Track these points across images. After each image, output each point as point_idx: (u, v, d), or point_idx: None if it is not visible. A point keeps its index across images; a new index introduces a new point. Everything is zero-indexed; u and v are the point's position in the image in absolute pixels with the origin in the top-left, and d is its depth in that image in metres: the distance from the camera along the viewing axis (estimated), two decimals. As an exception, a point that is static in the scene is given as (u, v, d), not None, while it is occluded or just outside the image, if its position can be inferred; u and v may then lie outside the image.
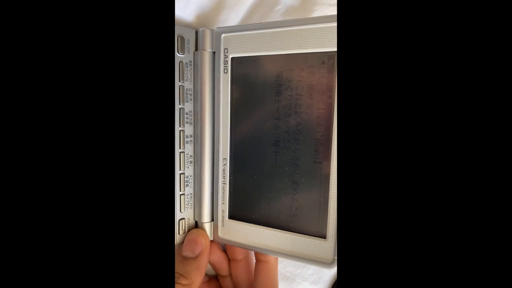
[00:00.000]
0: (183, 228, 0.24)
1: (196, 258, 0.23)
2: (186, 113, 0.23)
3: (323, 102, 0.20)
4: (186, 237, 0.23)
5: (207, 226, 0.24)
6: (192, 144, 0.24)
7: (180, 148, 0.23)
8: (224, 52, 0.22)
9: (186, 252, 0.23)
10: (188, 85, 0.23)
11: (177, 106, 0.22)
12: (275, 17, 0.25)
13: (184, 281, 0.22)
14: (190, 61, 0.23)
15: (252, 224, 0.22)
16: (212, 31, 0.22)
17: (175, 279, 0.22)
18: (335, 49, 0.19)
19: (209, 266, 0.27)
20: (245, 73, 0.22)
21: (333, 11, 0.26)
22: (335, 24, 0.19)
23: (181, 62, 0.22)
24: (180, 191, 0.23)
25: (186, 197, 0.24)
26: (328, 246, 0.20)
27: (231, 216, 0.23)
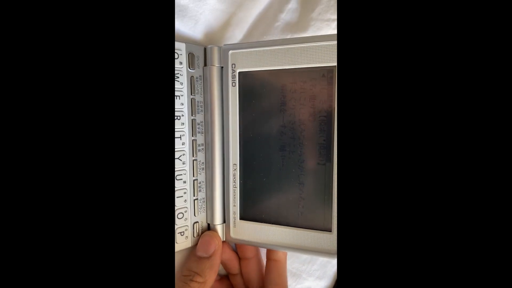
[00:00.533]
0: (197, 231, 0.26)
1: (209, 257, 0.24)
2: (198, 124, 0.25)
3: (325, 110, 0.22)
4: (200, 239, 0.25)
5: (219, 228, 0.26)
6: (204, 152, 0.25)
7: (193, 156, 0.25)
8: (232, 67, 0.24)
9: (200, 252, 0.24)
10: (199, 98, 0.25)
11: (190, 118, 0.24)
12: (275, 32, 0.27)
13: (199, 279, 0.23)
14: (200, 76, 0.25)
15: (262, 223, 0.24)
16: (219, 47, 0.24)
17: (191, 277, 0.23)
18: (334, 64, 0.21)
19: (220, 266, 0.29)
20: (252, 86, 0.24)
21: (327, 26, 0.28)
22: (333, 42, 0.21)
23: (192, 77, 0.24)
24: (194, 196, 0.25)
25: (199, 201, 0.25)
26: (333, 238, 0.22)
27: (242, 217, 0.25)
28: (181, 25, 0.24)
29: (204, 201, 0.26)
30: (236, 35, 0.26)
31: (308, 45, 0.22)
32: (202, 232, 0.26)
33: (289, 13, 0.27)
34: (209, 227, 0.26)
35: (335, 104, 0.21)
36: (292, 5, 0.27)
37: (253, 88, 0.24)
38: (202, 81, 0.25)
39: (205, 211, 0.26)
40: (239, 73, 0.24)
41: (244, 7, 0.26)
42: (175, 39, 0.24)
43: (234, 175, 0.25)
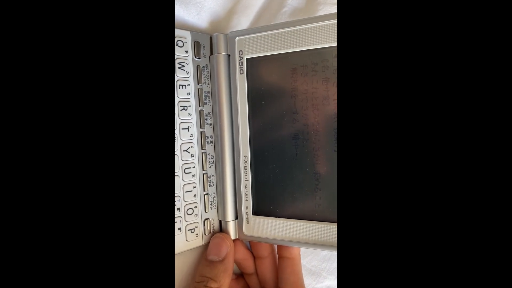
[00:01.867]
0: (209, 228, 0.24)
1: (222, 261, 0.23)
2: (206, 115, 0.24)
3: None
4: (211, 242, 0.24)
5: (232, 225, 0.25)
6: (213, 144, 0.24)
7: (202, 149, 0.24)
8: (239, 54, 0.23)
9: (212, 256, 0.23)
10: (206, 88, 0.24)
11: (197, 108, 0.23)
12: (282, 18, 0.26)
13: (213, 284, 0.22)
14: (207, 65, 0.24)
15: (277, 218, 0.23)
16: (225, 35, 0.24)
17: (205, 283, 0.22)
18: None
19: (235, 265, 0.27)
20: (261, 72, 0.23)
21: (336, 9, 0.27)
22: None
23: (198, 66, 0.23)
24: (204, 191, 0.24)
25: (209, 197, 0.24)
26: (355, 232, 0.21)
27: (255, 212, 0.24)
28: (185, 13, 0.23)
29: (215, 197, 0.25)
30: (242, 22, 0.26)
31: (318, 25, 0.20)
32: (214, 231, 0.25)
33: None
34: (221, 224, 0.25)
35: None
36: None
37: (261, 75, 0.23)
38: (209, 70, 0.24)
39: (216, 207, 0.25)
40: (247, 59, 0.23)
41: None
42: (179, 27, 0.23)
43: (245, 167, 0.24)
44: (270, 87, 0.23)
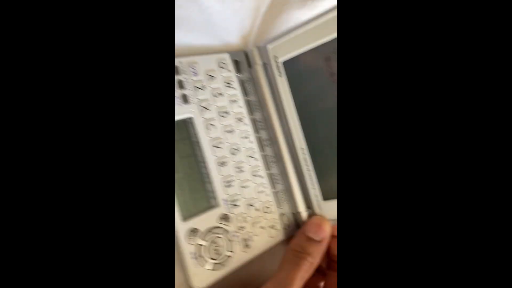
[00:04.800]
0: (286, 222, 0.26)
1: (320, 242, 0.23)
2: (258, 121, 0.26)
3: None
4: (310, 221, 0.25)
5: (305, 215, 0.26)
6: (271, 146, 0.27)
7: (262, 152, 0.26)
8: (275, 60, 0.26)
9: (311, 234, 0.24)
10: (253, 98, 0.26)
11: (250, 117, 0.26)
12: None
13: (310, 259, 0.23)
14: (249, 78, 0.27)
15: (347, 197, 0.24)
16: (258, 47, 0.26)
17: (303, 254, 0.23)
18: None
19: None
20: (298, 70, 0.25)
21: None
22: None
23: (242, 80, 0.26)
24: (273, 189, 0.26)
25: (279, 194, 0.26)
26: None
27: (325, 198, 0.25)
28: (214, 38, 0.26)
29: (284, 193, 0.27)
30: (260, 7, 0.26)
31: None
32: (291, 223, 0.26)
33: None
34: (295, 216, 0.27)
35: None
36: None
37: (299, 71, 0.25)
38: (252, 82, 0.27)
39: (287, 202, 0.27)
40: (283, 62, 0.25)
41: None
42: (217, 51, 0.26)
43: (304, 159, 0.26)
44: (309, 80, 0.25)
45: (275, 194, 0.26)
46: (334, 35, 0.23)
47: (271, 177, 0.26)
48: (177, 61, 0.23)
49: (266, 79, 0.26)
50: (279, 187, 0.27)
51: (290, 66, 0.25)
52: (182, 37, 0.24)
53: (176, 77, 0.23)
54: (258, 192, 0.25)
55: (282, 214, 0.26)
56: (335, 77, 0.24)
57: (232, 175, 0.24)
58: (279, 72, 0.26)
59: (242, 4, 0.26)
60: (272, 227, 0.25)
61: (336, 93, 0.24)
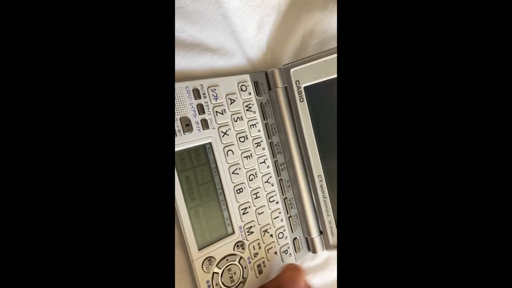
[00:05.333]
0: (298, 246, 0.26)
1: None
2: (275, 145, 0.26)
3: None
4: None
5: (317, 240, 0.26)
6: (286, 170, 0.26)
7: (278, 176, 0.26)
8: (297, 84, 0.25)
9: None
10: (271, 121, 0.26)
11: (268, 141, 0.25)
12: (319, 1, 0.27)
13: None
14: (268, 100, 0.26)
15: (362, 227, 0.24)
16: (280, 69, 0.26)
17: None
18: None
19: None
20: (320, 97, 0.24)
21: None
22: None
23: (261, 103, 0.25)
24: (288, 213, 0.26)
25: (293, 218, 0.26)
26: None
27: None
28: (230, 59, 0.25)
29: (297, 217, 0.27)
30: (280, 2, 0.26)
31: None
32: (302, 248, 0.26)
33: None
34: (307, 241, 0.27)
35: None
36: None
37: (321, 99, 0.25)
38: (271, 104, 0.26)
39: (300, 226, 0.27)
40: (305, 88, 0.25)
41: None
42: (239, 72, 0.25)
43: (321, 186, 0.25)
44: (331, 109, 0.24)
45: (289, 218, 0.26)
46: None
47: (286, 202, 0.26)
48: (198, 84, 0.22)
49: (286, 103, 0.26)
50: (293, 211, 0.26)
51: (312, 92, 0.25)
52: (197, 32, 0.23)
53: (197, 101, 0.22)
54: (273, 218, 0.25)
55: (295, 239, 0.26)
56: (359, 108, 0.23)
57: (249, 201, 0.24)
58: (301, 97, 0.25)
59: (262, 1, 0.25)
60: (285, 252, 0.25)
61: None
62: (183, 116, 0.21)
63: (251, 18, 0.25)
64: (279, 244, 0.25)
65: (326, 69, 0.24)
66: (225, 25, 0.24)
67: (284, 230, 0.25)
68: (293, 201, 0.26)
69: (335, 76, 0.23)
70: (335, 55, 0.23)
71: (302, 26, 0.26)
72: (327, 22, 0.27)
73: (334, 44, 0.28)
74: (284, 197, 0.26)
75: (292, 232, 0.26)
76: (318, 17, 0.27)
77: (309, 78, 0.24)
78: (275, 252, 0.25)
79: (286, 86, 0.26)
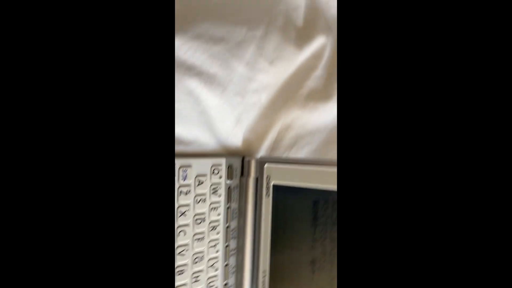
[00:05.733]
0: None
1: None
2: (232, 229, 0.26)
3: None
4: None
5: (246, 332, 0.26)
6: (235, 255, 0.26)
7: (225, 261, 0.26)
8: (267, 179, 0.26)
9: None
10: (234, 205, 0.26)
11: (225, 225, 0.26)
12: (299, 100, 0.28)
13: None
14: (237, 185, 0.26)
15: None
16: (256, 160, 0.26)
17: None
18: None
19: None
20: (285, 199, 0.25)
21: None
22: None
23: (229, 187, 0.26)
24: (223, 301, 0.26)
25: (228, 305, 0.26)
26: None
27: (270, 325, 0.25)
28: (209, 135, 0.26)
29: (232, 305, 0.26)
30: (261, 99, 0.27)
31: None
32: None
33: (314, 80, 0.28)
34: (236, 330, 0.26)
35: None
36: (319, 72, 0.28)
37: (286, 201, 0.25)
38: (239, 189, 0.26)
39: (233, 314, 0.26)
40: (273, 185, 0.25)
41: (272, 73, 0.27)
42: (216, 154, 0.25)
43: (263, 282, 0.26)
44: (292, 214, 0.25)
45: (224, 305, 0.26)
46: (331, 187, 0.23)
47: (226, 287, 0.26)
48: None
49: (253, 193, 0.26)
50: (230, 298, 0.26)
51: (279, 191, 0.25)
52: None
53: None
54: (208, 304, 0.25)
55: (223, 327, 0.26)
56: (317, 222, 0.24)
57: (186, 285, 0.24)
58: (268, 193, 0.26)
59: (242, 99, 0.26)
60: None
61: (311, 235, 0.24)
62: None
63: (230, 114, 0.26)
64: (205, 331, 0.25)
65: (298, 176, 0.24)
66: (202, 120, 0.25)
67: (215, 318, 0.25)
68: (233, 287, 0.26)
69: (306, 184, 0.24)
70: (312, 167, 0.24)
71: (281, 121, 0.27)
72: (306, 118, 0.28)
73: (309, 139, 0.29)
74: (225, 282, 0.26)
75: (223, 319, 0.26)
76: (296, 114, 0.28)
77: (280, 178, 0.25)
78: None
79: (257, 177, 0.26)
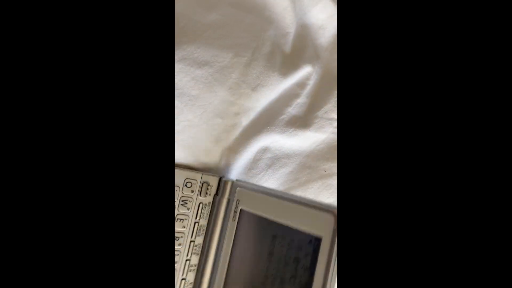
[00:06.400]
0: None
1: None
2: (195, 246, 0.27)
3: (306, 275, 0.21)
4: None
5: None
6: (195, 272, 0.27)
7: (182, 275, 0.26)
8: (236, 203, 0.26)
9: None
10: (203, 222, 0.27)
11: (189, 239, 0.26)
12: (279, 125, 0.28)
13: None
14: (210, 203, 0.27)
15: None
16: (232, 182, 0.27)
17: None
18: (323, 234, 0.21)
19: None
20: (249, 225, 0.25)
21: (329, 125, 0.28)
22: (328, 215, 0.21)
23: (201, 203, 0.27)
24: (173, 315, 0.26)
25: (177, 322, 0.26)
26: None
27: None
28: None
29: (182, 322, 0.26)
30: (242, 122, 0.28)
31: (306, 209, 0.22)
32: None
33: (296, 107, 0.28)
34: None
35: (315, 276, 0.21)
36: (302, 99, 0.28)
37: (249, 228, 0.25)
38: (210, 207, 0.27)
39: (181, 332, 0.26)
40: (241, 210, 0.26)
41: (254, 98, 0.27)
42: (193, 168, 0.27)
43: (215, 306, 0.25)
44: (252, 242, 0.25)
45: (173, 320, 0.26)
46: (292, 224, 0.23)
47: (177, 302, 0.26)
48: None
49: (224, 213, 0.27)
50: (181, 314, 0.26)
51: (245, 217, 0.25)
52: None
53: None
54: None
55: None
56: (272, 257, 0.23)
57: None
58: (234, 216, 0.26)
59: (222, 121, 0.27)
60: None
61: (265, 271, 0.23)
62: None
63: (209, 134, 0.27)
64: None
65: (266, 206, 0.24)
66: (179, 139, 0.26)
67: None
68: (185, 305, 0.26)
69: (271, 216, 0.24)
70: (283, 203, 0.24)
71: (260, 143, 0.28)
72: (283, 142, 0.28)
73: (286, 161, 0.28)
74: (178, 296, 0.26)
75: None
76: (275, 138, 0.28)
77: (248, 204, 0.25)
78: None
79: (229, 199, 0.27)
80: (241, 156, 0.28)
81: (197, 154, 0.27)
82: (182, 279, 0.26)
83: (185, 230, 0.26)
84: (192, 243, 0.27)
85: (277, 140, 0.28)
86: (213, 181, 0.27)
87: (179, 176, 0.26)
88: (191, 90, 0.25)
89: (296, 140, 0.27)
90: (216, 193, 0.27)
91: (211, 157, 0.28)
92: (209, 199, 0.27)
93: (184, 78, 0.25)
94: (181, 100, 0.25)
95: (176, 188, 0.26)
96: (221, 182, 0.27)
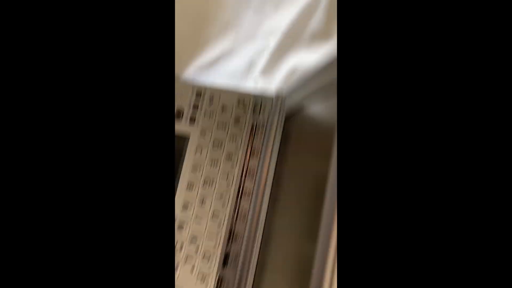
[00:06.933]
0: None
1: None
2: (251, 169, 0.25)
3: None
4: None
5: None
6: (245, 200, 0.24)
7: (236, 199, 0.24)
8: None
9: None
10: (258, 143, 0.25)
11: (242, 161, 0.25)
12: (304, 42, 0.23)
13: None
14: (263, 124, 0.25)
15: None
16: (283, 99, 0.25)
17: None
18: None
19: None
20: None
21: None
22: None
23: (254, 123, 0.25)
24: (219, 229, 0.24)
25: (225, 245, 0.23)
26: None
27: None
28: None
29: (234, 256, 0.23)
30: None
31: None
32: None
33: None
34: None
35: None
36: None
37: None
38: (263, 128, 0.25)
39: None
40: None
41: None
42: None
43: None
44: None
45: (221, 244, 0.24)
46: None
47: (228, 230, 0.24)
48: (203, 88, 0.26)
49: (279, 133, 0.24)
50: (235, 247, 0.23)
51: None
52: None
53: (195, 101, 0.26)
54: (207, 233, 0.24)
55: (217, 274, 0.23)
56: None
57: (192, 203, 0.24)
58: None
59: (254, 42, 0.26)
60: (202, 278, 0.23)
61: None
62: (179, 107, 0.26)
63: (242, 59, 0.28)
64: (200, 263, 0.23)
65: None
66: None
67: (211, 253, 0.23)
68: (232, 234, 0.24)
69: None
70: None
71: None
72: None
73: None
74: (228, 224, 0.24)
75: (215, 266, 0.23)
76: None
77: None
78: (193, 266, 0.23)
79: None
80: (274, 79, 0.27)
81: (234, 79, 0.28)
82: (234, 205, 0.24)
83: (239, 152, 0.25)
84: (245, 167, 0.25)
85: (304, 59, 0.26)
86: (267, 102, 0.26)
87: (232, 97, 0.26)
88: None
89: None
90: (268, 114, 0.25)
91: (247, 83, 0.28)
92: (262, 118, 0.25)
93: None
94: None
95: (228, 107, 0.26)
96: (273, 101, 0.25)
